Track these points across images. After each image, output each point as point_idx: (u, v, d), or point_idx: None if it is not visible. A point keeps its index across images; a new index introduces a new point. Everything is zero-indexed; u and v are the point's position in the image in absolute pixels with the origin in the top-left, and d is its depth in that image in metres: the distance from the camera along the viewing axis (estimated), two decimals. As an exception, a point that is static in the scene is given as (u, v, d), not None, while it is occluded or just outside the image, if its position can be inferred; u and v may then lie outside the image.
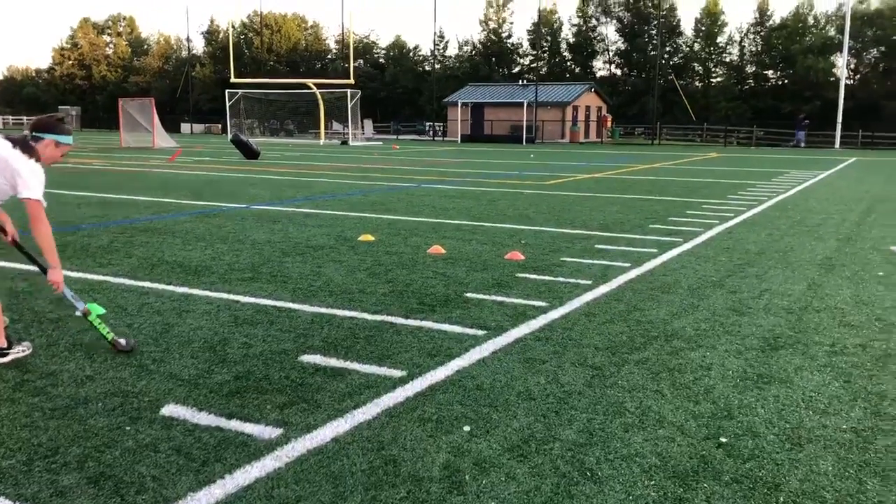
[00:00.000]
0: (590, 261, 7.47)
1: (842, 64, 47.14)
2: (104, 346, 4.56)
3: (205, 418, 3.55)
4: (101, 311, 5.23)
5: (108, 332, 4.53)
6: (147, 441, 3.31)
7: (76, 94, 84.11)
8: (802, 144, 43.00)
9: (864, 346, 4.83)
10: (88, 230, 9.14)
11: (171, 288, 6.16)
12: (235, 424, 3.48)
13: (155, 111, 36.01)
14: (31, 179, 4.07)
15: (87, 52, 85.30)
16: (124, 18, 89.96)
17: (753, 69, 62.30)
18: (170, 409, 3.65)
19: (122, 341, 4.55)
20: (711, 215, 11.10)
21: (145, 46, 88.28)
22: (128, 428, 3.44)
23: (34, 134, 4.25)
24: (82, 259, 7.35)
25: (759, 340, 4.91)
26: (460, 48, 73.03)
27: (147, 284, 6.27)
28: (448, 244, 8.30)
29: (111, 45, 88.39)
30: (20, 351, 4.41)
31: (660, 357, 4.55)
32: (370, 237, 8.70)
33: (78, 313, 4.66)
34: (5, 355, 4.33)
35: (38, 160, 4.18)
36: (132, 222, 9.83)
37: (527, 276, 6.73)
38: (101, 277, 6.54)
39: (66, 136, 4.35)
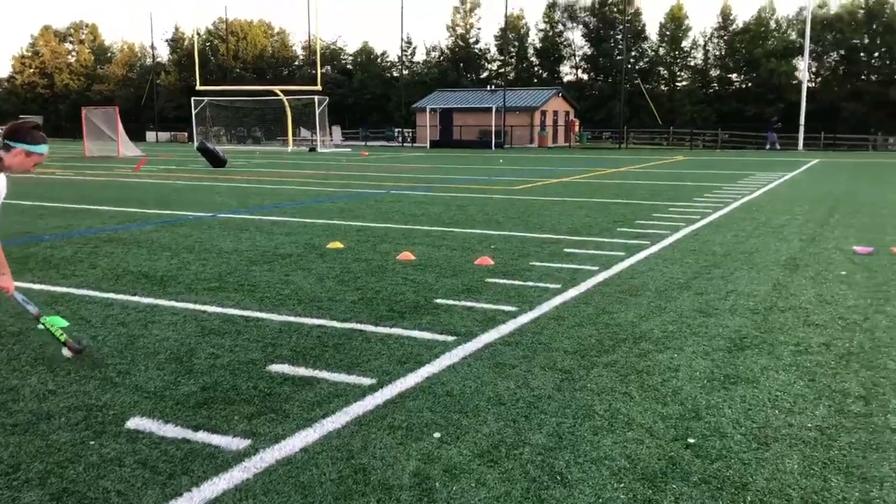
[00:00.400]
0: (559, 265, 7.50)
1: (803, 67, 48.08)
2: (67, 359, 4.48)
3: (171, 430, 3.50)
4: (64, 323, 5.14)
5: (61, 335, 4.49)
6: (112, 455, 3.25)
7: (38, 103, 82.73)
8: (777, 146, 43.43)
9: (828, 345, 4.90)
10: (51, 241, 8.98)
11: (136, 299, 6.08)
12: (202, 436, 3.44)
13: (119, 120, 35.57)
14: None
15: (49, 60, 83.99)
16: (87, 26, 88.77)
17: (717, 73, 63.20)
18: (135, 422, 3.59)
19: (76, 344, 4.54)
20: (678, 218, 11.22)
21: (109, 54, 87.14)
22: (92, 442, 3.38)
23: (5, 141, 4.10)
24: (45, 271, 7.23)
25: (725, 341, 4.97)
26: (428, 54, 73.17)
27: (111, 296, 6.18)
28: (417, 250, 8.29)
29: (74, 53, 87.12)
30: None
31: (628, 359, 4.58)
32: (339, 244, 8.66)
33: (33, 315, 4.60)
34: None
35: (0, 170, 4.11)
36: (96, 232, 9.68)
37: (496, 281, 6.74)
38: (64, 289, 6.43)
39: (39, 146, 4.15)
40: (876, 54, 56.10)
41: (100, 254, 8.08)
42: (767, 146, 43.58)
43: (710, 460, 3.24)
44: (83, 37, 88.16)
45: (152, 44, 72.58)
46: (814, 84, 56.00)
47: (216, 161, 25.62)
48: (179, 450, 3.30)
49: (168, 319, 5.45)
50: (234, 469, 3.12)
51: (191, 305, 5.84)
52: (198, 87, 43.65)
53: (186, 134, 59.30)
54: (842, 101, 54.38)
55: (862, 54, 56.19)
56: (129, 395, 3.96)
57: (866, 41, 55.94)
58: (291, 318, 5.47)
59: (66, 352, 4.52)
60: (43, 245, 8.72)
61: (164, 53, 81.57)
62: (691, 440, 3.43)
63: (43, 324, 4.52)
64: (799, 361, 4.57)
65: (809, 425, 3.61)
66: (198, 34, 54.56)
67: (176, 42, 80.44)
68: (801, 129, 43.74)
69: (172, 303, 5.93)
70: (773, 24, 60.48)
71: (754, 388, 4.11)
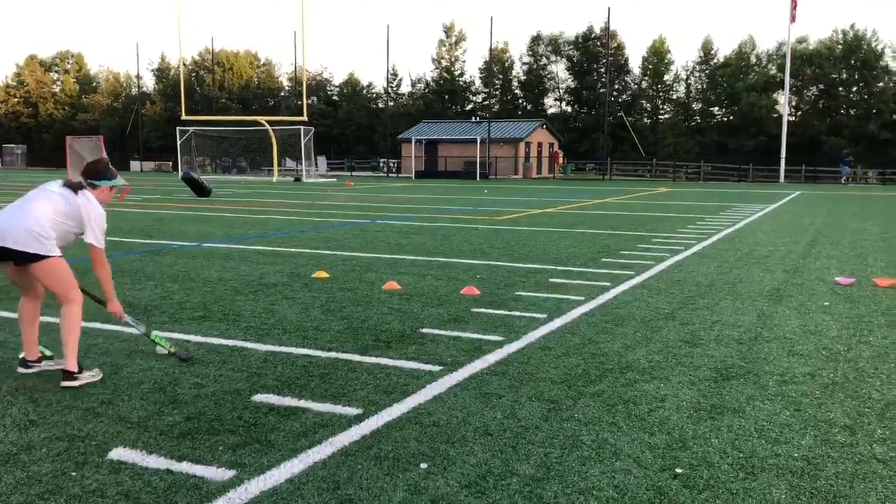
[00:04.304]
0: (544, 294, 7.51)
1: (784, 101, 48.76)
2: (49, 390, 4.43)
3: (154, 461, 3.45)
4: (48, 352, 5.10)
5: (168, 345, 5.14)
6: (94, 487, 3.20)
7: (22, 133, 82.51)
8: (843, 180, 43.37)
9: (813, 375, 4.92)
10: (34, 270, 8.89)
11: (119, 328, 6.01)
12: (186, 467, 3.40)
13: (103, 149, 35.50)
14: (98, 226, 4.64)
15: (34, 89, 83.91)
16: (72, 55, 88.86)
17: (699, 106, 64.02)
18: (118, 453, 3.54)
19: (183, 354, 5.13)
20: (662, 248, 11.29)
21: (94, 84, 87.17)
22: (73, 473, 3.33)
23: (90, 181, 4.74)
24: (27, 300, 7.13)
25: (711, 371, 4.98)
26: (413, 85, 73.74)
27: (95, 325, 6.11)
28: (403, 280, 8.29)
29: (58, 83, 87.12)
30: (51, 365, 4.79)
31: (615, 389, 4.58)
32: (324, 274, 8.64)
33: (142, 332, 5.20)
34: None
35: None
36: (78, 262, 9.57)
37: (482, 310, 6.74)
38: (47, 319, 6.32)
39: (117, 179, 4.89)
40: (854, 89, 57.07)
41: (82, 283, 7.98)
42: (843, 180, 43.44)
43: (697, 490, 3.23)
44: (68, 66, 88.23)
45: (138, 73, 72.51)
46: (794, 118, 56.82)
47: (201, 191, 25.56)
48: (163, 481, 3.26)
49: (152, 349, 5.40)
50: (218, 500, 3.08)
51: (175, 335, 5.79)
52: (183, 117, 43.71)
53: (171, 163, 59.27)
54: (822, 134, 55.20)
55: (841, 89, 57.15)
56: (112, 425, 3.91)
57: (845, 76, 56.94)
58: (276, 348, 5.44)
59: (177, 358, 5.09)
60: (25, 274, 8.63)
61: (149, 83, 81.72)
62: (679, 470, 3.42)
63: (152, 340, 5.18)
64: (784, 391, 4.58)
65: (796, 455, 3.61)
66: (184, 64, 54.78)
67: (162, 72, 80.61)
68: (783, 161, 44.29)
69: (156, 332, 5.87)
70: (753, 59, 61.47)
71: (740, 417, 4.12)
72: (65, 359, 4.59)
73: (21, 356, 4.90)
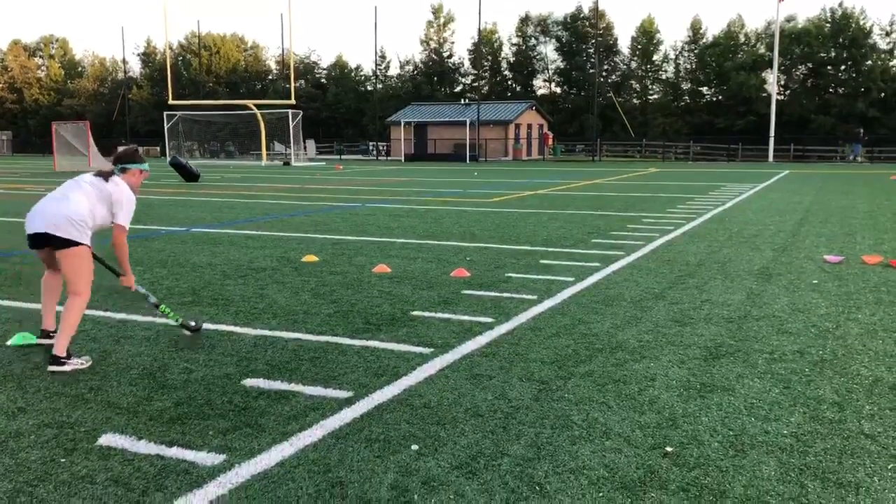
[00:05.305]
0: (534, 276, 7.51)
1: (772, 80, 48.76)
2: (37, 377, 4.40)
3: (144, 447, 3.44)
4: (34, 339, 5.08)
5: (177, 317, 5.26)
6: (83, 473, 3.19)
7: (6, 119, 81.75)
8: (860, 159, 43.43)
9: (802, 353, 4.94)
10: (21, 256, 8.84)
11: (108, 314, 5.99)
12: (176, 452, 3.39)
13: (90, 134, 35.21)
14: (127, 209, 4.91)
15: (18, 74, 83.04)
16: (57, 40, 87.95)
17: (689, 86, 63.96)
18: (107, 439, 3.53)
19: (192, 322, 5.26)
20: (652, 228, 11.30)
21: (79, 69, 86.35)
22: (62, 460, 3.31)
23: (122, 166, 5.02)
24: (14, 287, 7.10)
25: (701, 350, 4.99)
26: (402, 68, 73.37)
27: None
28: (393, 263, 8.27)
29: (43, 68, 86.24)
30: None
31: (605, 369, 4.58)
32: (314, 258, 8.61)
33: (153, 302, 5.34)
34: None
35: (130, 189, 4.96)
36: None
37: (473, 292, 6.73)
38: (34, 305, 6.30)
39: (146, 164, 5.16)
40: (843, 68, 57.10)
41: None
42: (852, 157, 43.43)
43: (688, 468, 3.24)
44: (53, 51, 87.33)
45: (124, 58, 71.91)
46: (783, 97, 56.89)
47: (189, 176, 25.42)
48: (153, 466, 3.25)
49: (141, 335, 5.38)
50: (209, 484, 3.07)
51: (163, 320, 5.75)
52: (170, 102, 43.36)
53: (159, 149, 58.88)
54: (810, 113, 55.29)
55: (829, 67, 57.17)
56: (101, 411, 3.89)
57: (833, 55, 56.94)
58: (266, 332, 5.42)
59: (185, 332, 5.26)
60: (12, 261, 8.57)
61: (136, 68, 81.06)
62: (669, 448, 3.43)
63: (161, 311, 5.30)
64: (773, 369, 4.60)
65: (785, 432, 3.63)
66: (170, 48, 54.31)
67: (148, 56, 79.94)
68: (771, 140, 44.37)
69: (145, 318, 5.85)
70: (742, 38, 61.37)
71: (730, 395, 4.13)
72: (55, 341, 4.61)
73: (42, 328, 5.15)
